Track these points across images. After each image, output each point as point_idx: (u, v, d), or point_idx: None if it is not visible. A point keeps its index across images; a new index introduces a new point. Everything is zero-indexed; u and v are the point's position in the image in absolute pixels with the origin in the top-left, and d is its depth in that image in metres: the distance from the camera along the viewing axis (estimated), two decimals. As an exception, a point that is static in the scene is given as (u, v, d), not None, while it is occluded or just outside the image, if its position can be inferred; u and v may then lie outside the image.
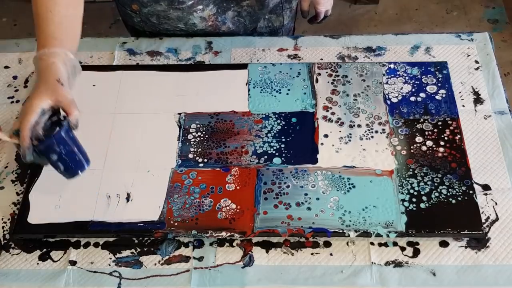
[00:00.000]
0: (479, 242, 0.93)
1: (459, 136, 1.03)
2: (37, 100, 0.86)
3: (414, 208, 0.94)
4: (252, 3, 1.23)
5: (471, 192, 0.96)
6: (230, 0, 1.19)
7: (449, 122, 1.05)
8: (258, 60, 1.19)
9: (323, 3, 1.25)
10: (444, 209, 0.94)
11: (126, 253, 0.94)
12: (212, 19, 1.19)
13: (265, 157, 1.02)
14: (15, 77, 1.19)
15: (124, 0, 1.21)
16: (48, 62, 0.89)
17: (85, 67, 1.17)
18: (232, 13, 1.21)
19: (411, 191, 0.96)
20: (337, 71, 1.14)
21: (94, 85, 1.13)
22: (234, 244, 0.94)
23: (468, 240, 0.93)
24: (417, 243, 0.94)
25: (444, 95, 1.09)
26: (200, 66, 1.18)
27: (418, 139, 1.03)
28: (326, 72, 1.14)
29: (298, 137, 1.04)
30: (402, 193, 0.96)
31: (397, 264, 0.91)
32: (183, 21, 1.20)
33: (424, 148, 1.02)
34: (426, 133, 1.04)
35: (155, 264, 0.93)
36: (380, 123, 1.06)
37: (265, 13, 1.23)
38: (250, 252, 0.93)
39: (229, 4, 1.19)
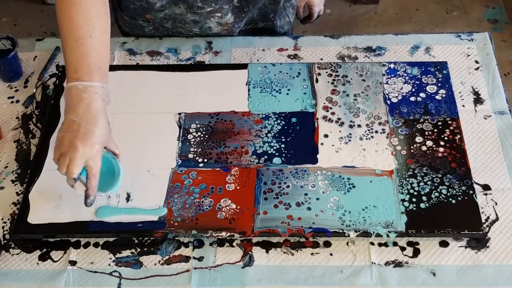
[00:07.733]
0: (479, 242, 0.93)
1: (459, 136, 1.03)
2: (99, 146, 0.85)
3: (414, 208, 0.94)
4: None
5: (471, 192, 0.96)
6: (248, 10, 1.18)
7: (449, 122, 1.05)
8: (258, 60, 1.19)
9: (317, 3, 1.33)
10: (444, 209, 0.94)
11: (126, 253, 0.94)
12: (228, 26, 1.20)
13: (265, 157, 1.02)
14: (15, 77, 1.19)
15: (134, 13, 1.17)
16: (97, 99, 0.86)
17: (85, 67, 1.18)
18: (247, 18, 1.22)
19: (411, 191, 0.96)
20: (337, 71, 1.14)
21: (94, 85, 1.13)
22: (234, 244, 0.94)
23: (468, 240, 0.93)
24: (417, 243, 0.93)
25: (444, 95, 1.09)
26: (200, 66, 1.18)
27: (418, 139, 1.03)
28: (326, 72, 1.14)
29: (298, 137, 1.04)
30: (402, 193, 0.96)
31: (397, 264, 0.91)
32: (198, 25, 1.19)
33: (424, 148, 1.02)
34: (426, 133, 1.04)
35: (155, 264, 0.92)
36: (380, 123, 1.06)
37: (275, 9, 1.23)
38: (250, 252, 0.93)
39: (246, 13, 1.19)
